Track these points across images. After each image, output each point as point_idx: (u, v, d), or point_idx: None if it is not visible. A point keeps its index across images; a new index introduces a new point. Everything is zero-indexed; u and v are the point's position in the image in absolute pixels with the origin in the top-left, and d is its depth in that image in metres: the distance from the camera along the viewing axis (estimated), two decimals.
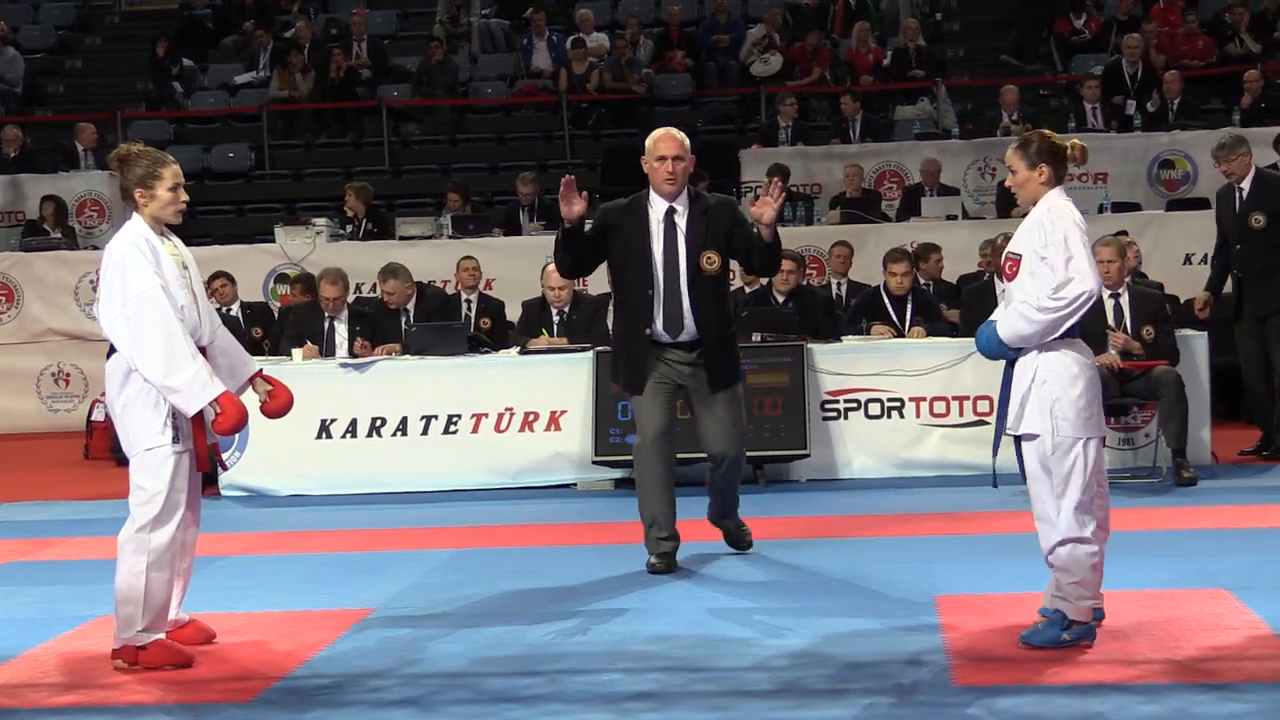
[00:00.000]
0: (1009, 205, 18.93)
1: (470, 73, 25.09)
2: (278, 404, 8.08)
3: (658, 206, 9.64)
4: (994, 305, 14.25)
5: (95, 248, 20.29)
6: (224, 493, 13.50)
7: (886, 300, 14.40)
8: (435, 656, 7.83)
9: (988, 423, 13.22)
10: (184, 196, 7.91)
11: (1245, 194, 13.58)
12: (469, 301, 16.17)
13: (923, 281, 15.36)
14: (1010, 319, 7.61)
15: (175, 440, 7.57)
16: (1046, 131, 7.85)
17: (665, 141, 9.59)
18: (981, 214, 19.56)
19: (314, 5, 26.90)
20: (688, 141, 9.69)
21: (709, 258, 9.63)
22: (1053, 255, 7.49)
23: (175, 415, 7.54)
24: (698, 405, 9.93)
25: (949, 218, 18.77)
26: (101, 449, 16.31)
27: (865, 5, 25.10)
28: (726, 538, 10.44)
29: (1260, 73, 21.42)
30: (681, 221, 9.63)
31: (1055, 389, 7.48)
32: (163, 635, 7.69)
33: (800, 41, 24.07)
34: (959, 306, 15.20)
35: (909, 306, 14.33)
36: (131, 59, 25.62)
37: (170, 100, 24.76)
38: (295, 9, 26.44)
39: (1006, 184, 8.04)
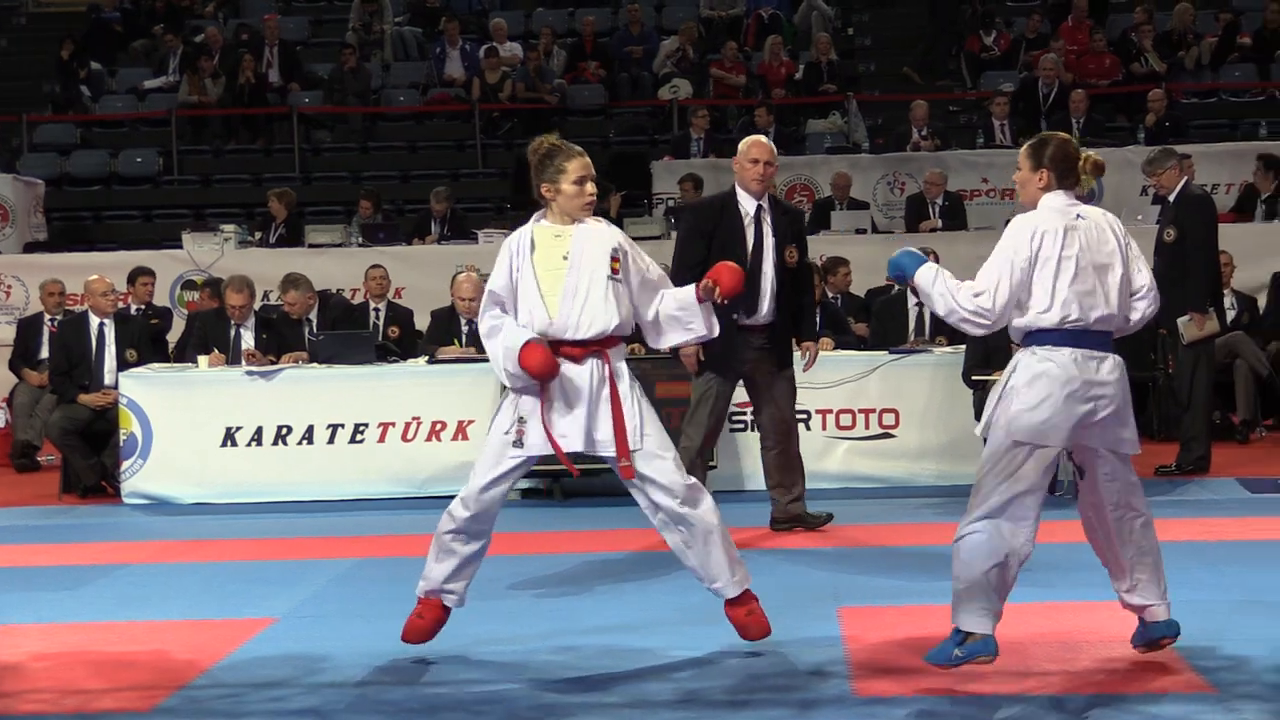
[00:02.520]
0: (918, 219, 19.10)
1: (382, 80, 25.03)
2: None
3: (747, 204, 10.95)
4: (904, 319, 14.46)
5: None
6: (126, 500, 13.42)
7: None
8: (337, 666, 7.80)
9: (893, 436, 13.34)
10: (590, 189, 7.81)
11: (1168, 208, 13.64)
12: (377, 310, 16.14)
13: (830, 295, 15.42)
14: (941, 289, 7.34)
15: None
16: (1065, 136, 7.56)
17: (758, 147, 11.00)
18: (891, 228, 19.67)
19: (225, 10, 26.75)
20: (775, 149, 11.07)
21: (789, 252, 11.05)
22: (991, 259, 7.35)
23: None
24: (761, 386, 11.19)
25: (858, 231, 18.86)
26: (1, 456, 16.13)
27: (778, 19, 25.19)
28: (803, 522, 11.39)
29: (1164, 92, 21.64)
30: (768, 219, 10.97)
31: (1017, 392, 7.28)
32: None
33: (715, 55, 24.15)
34: (867, 320, 15.30)
35: (817, 320, 14.35)
36: (38, 61, 25.42)
37: (78, 104, 24.57)
38: (208, 12, 26.30)
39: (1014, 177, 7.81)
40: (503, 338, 7.61)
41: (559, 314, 7.55)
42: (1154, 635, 7.49)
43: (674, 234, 18.67)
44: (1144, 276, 7.42)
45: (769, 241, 10.93)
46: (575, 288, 7.56)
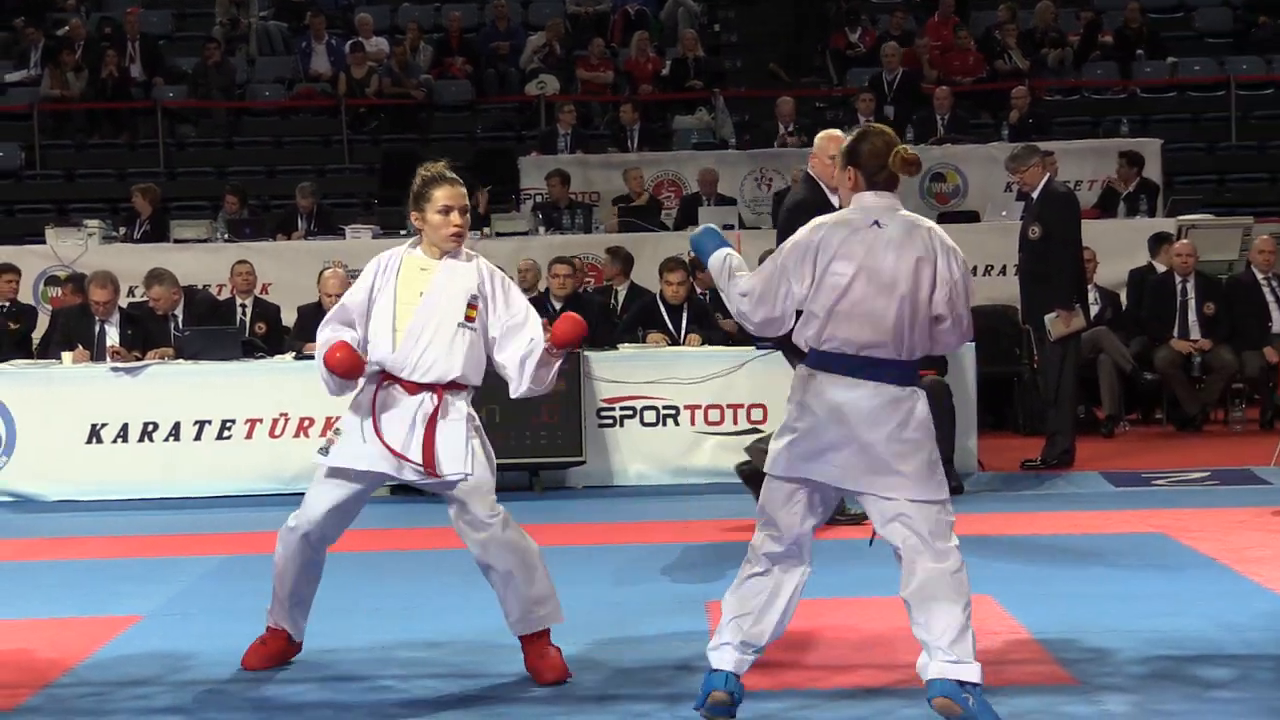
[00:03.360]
0: None
1: (248, 75, 24.85)
2: None
3: (834, 199, 10.14)
4: None
5: None
6: None
7: (663, 308, 14.51)
8: (204, 664, 7.77)
9: (761, 431, 13.39)
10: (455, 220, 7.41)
11: (1032, 204, 13.80)
12: (244, 306, 16.04)
13: (699, 291, 15.49)
14: (723, 282, 6.79)
15: None
16: (880, 129, 6.88)
17: (835, 142, 10.16)
18: (758, 224, 19.75)
19: (87, 3, 26.44)
20: None
21: None
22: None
23: None
24: None
25: (726, 227, 18.89)
26: None
27: (645, 15, 25.25)
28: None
29: (1028, 89, 21.88)
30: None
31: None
32: None
33: (581, 51, 24.17)
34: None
35: (685, 315, 14.45)
36: None
37: None
38: (69, 5, 25.99)
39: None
40: (322, 339, 7.43)
41: (399, 350, 7.30)
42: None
43: (542, 230, 18.76)
44: (947, 306, 6.51)
45: None
46: (421, 329, 7.28)
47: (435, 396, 7.32)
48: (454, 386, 7.37)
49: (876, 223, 6.54)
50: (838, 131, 10.57)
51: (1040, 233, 13.47)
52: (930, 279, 6.47)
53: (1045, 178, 13.75)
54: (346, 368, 7.27)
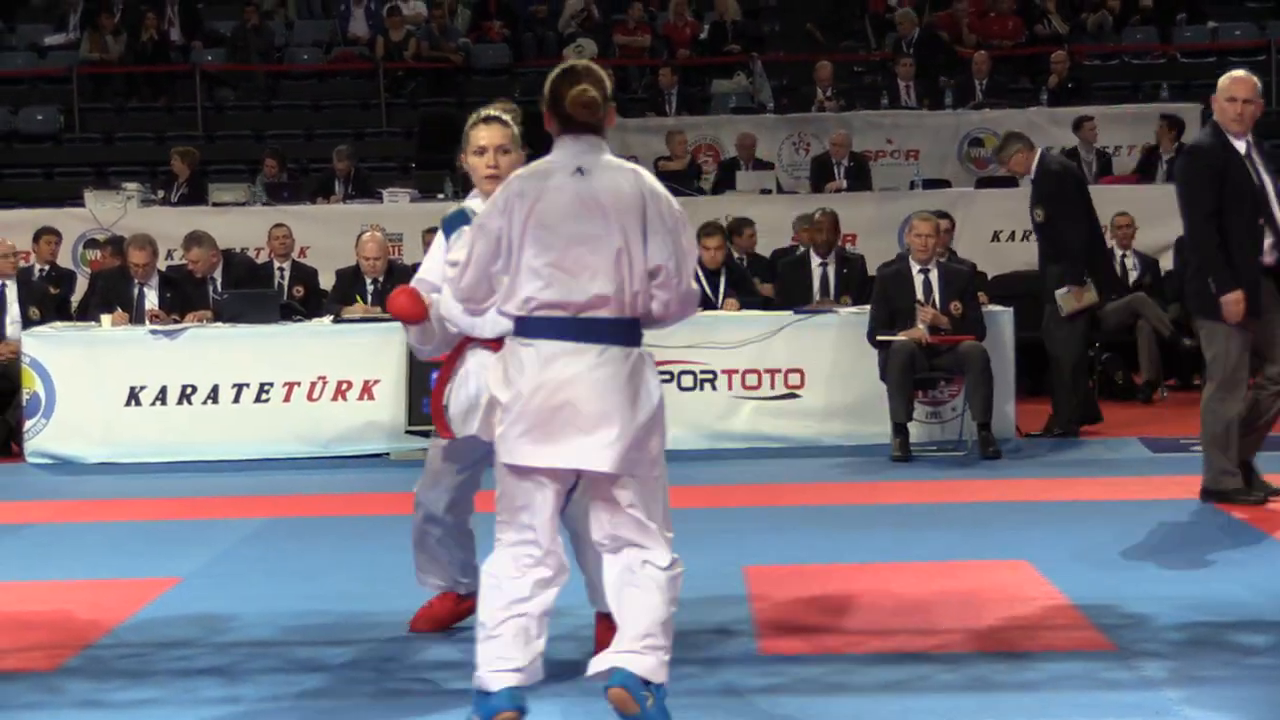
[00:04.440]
0: (823, 180, 19.18)
1: (286, 38, 24.86)
2: None
3: (1238, 144, 10.05)
4: (808, 280, 14.53)
5: None
6: (29, 459, 13.31)
7: (701, 273, 14.48)
8: (243, 625, 7.78)
9: (799, 396, 13.41)
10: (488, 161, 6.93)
11: (1032, 188, 13.71)
12: (282, 269, 16.07)
13: (736, 255, 15.47)
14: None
15: None
16: (581, 65, 6.08)
17: (1238, 84, 10.10)
18: (796, 188, 19.74)
19: None
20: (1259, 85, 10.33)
21: None
22: None
23: None
24: (1267, 317, 10.16)
25: (763, 192, 18.90)
26: None
27: None
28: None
29: (1067, 53, 21.79)
30: (1257, 156, 10.15)
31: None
32: None
33: (619, 15, 24.11)
34: (772, 280, 15.36)
35: (722, 280, 14.42)
36: None
37: None
38: None
39: None
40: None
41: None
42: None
43: None
44: (663, 254, 5.83)
45: (1268, 180, 10.15)
46: None
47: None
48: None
49: (579, 169, 5.86)
50: (1242, 73, 10.27)
51: (1044, 215, 13.40)
52: (642, 228, 5.82)
53: (1035, 159, 13.62)
54: (404, 309, 6.88)
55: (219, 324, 13.77)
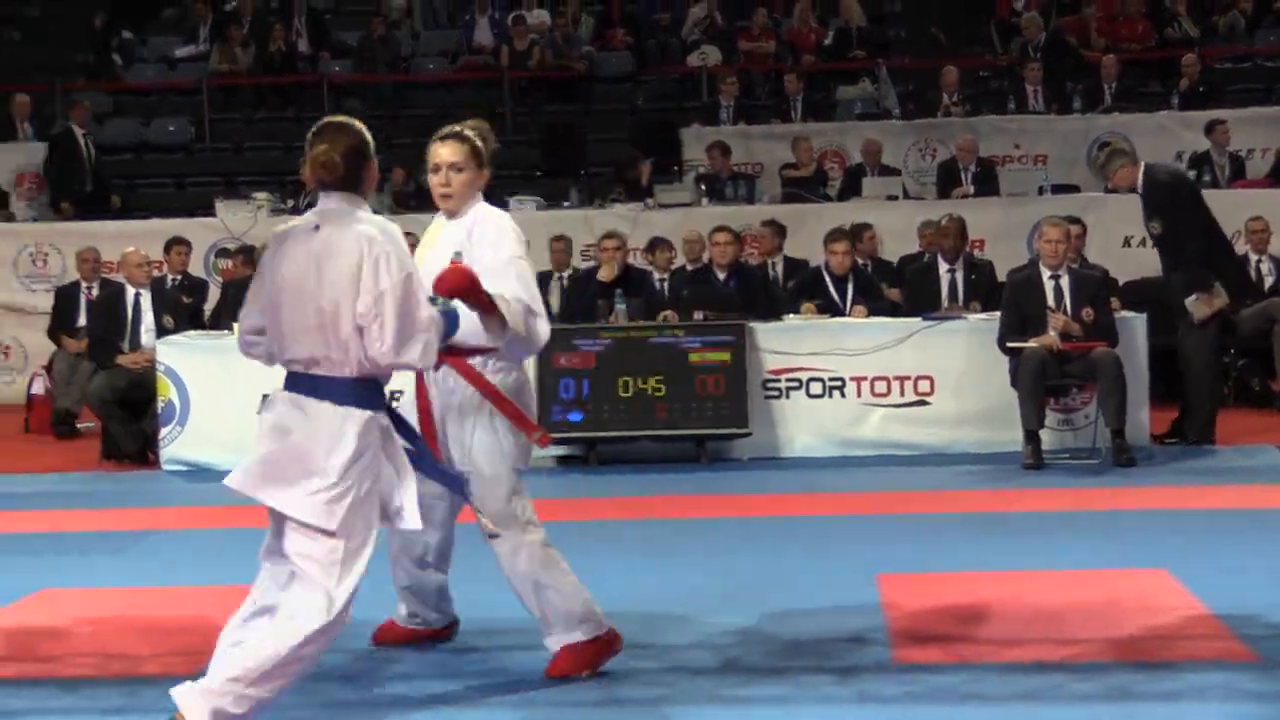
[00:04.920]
0: (950, 185, 19.08)
1: (412, 48, 25.01)
2: None
3: None
4: (936, 286, 14.45)
5: (35, 219, 20.19)
6: (165, 467, 13.46)
7: (828, 279, 14.44)
8: (369, 631, 7.81)
9: (929, 403, 13.34)
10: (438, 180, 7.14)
11: (1143, 202, 13.54)
12: None
13: (859, 261, 15.43)
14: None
15: None
16: (335, 121, 6.44)
17: None
18: (922, 194, 19.64)
19: None
20: None
21: None
22: None
23: None
24: None
25: (890, 198, 18.83)
26: (41, 423, 16.21)
27: None
28: None
29: (1198, 56, 21.55)
30: None
31: None
32: None
33: (743, 21, 24.09)
34: (898, 286, 15.30)
35: (850, 286, 14.37)
36: (71, 30, 25.43)
37: (109, 72, 24.58)
38: None
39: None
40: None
41: None
42: None
43: (704, 201, 18.74)
44: (369, 316, 5.89)
45: None
46: None
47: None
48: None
49: (316, 227, 6.07)
50: None
51: (1160, 227, 13.25)
52: (354, 288, 5.90)
53: (1140, 173, 13.43)
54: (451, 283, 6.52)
55: None
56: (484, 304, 6.44)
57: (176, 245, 16.80)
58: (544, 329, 6.81)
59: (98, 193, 21.00)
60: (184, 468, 13.51)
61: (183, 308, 15.30)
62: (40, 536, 11.04)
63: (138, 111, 24.08)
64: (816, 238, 15.61)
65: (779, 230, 16.63)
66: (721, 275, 14.67)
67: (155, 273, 15.94)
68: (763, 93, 23.28)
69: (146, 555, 10.15)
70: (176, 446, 13.49)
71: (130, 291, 14.69)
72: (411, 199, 19.35)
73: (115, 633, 8.03)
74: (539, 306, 6.82)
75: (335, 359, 5.95)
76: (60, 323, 16.33)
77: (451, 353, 6.50)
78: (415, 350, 5.96)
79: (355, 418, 5.98)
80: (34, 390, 16.69)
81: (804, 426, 13.46)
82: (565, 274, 16.16)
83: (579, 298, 14.67)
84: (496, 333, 6.54)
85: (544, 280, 15.67)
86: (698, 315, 13.78)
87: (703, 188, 19.25)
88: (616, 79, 24.05)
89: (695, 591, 8.64)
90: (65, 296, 16.52)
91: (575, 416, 13.15)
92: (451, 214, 7.13)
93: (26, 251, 18.99)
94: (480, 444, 6.94)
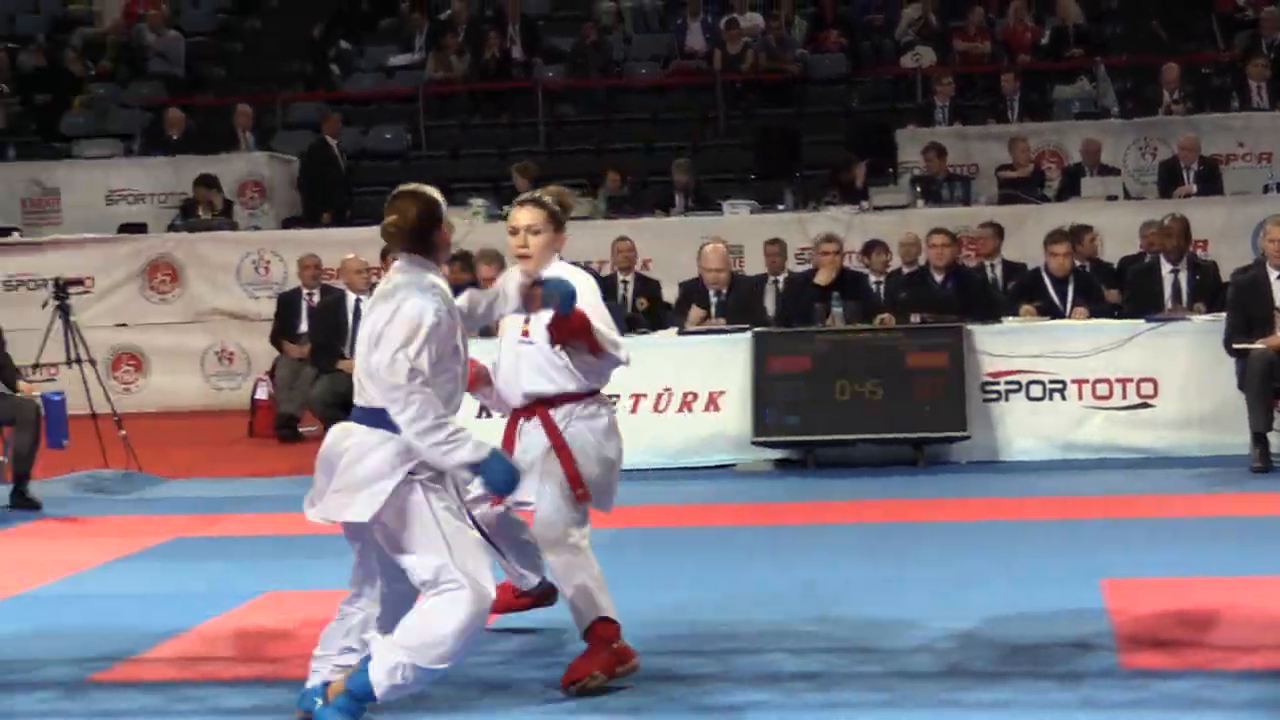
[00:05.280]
0: (1171, 185, 18.75)
1: (625, 53, 25.11)
2: None
3: None
4: (1159, 286, 14.20)
5: (256, 228, 20.56)
6: None
7: (1048, 281, 14.26)
8: None
9: (1152, 405, 13.12)
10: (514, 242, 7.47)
11: None
12: (625, 282, 16.20)
13: (1078, 262, 15.21)
14: None
15: None
16: (406, 190, 6.98)
17: None
18: (1143, 194, 19.34)
19: None
20: None
21: None
22: None
23: None
24: None
25: (1109, 198, 18.57)
26: (265, 427, 16.52)
27: None
28: None
29: None
30: None
31: None
32: None
33: (958, 21, 23.88)
34: (1118, 287, 15.08)
35: (1070, 287, 14.18)
36: (290, 41, 25.88)
37: (327, 82, 24.97)
38: None
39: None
40: None
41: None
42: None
43: (920, 203, 18.58)
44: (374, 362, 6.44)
45: None
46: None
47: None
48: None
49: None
50: None
51: None
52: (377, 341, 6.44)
53: None
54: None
55: None
56: (592, 345, 7.15)
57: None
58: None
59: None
60: None
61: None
62: (265, 539, 11.22)
63: (356, 120, 24.40)
64: (1034, 239, 15.45)
65: (998, 232, 16.46)
66: (938, 277, 14.55)
67: (374, 279, 16.13)
68: (978, 93, 23.05)
69: None
70: None
71: (350, 297, 14.90)
72: (625, 203, 19.40)
73: None
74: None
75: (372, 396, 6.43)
76: (282, 329, 16.62)
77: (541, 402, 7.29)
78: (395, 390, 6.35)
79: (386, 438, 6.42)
80: (257, 395, 17.03)
81: (1023, 429, 13.31)
82: (780, 277, 16.10)
83: (794, 301, 14.62)
84: (600, 370, 7.30)
85: (759, 283, 15.66)
86: (915, 318, 13.68)
87: (918, 189, 19.11)
88: (830, 81, 23.95)
89: (915, 595, 8.57)
90: (287, 303, 16.80)
91: (792, 420, 13.12)
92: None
93: (249, 259, 19.35)
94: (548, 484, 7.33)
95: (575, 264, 7.83)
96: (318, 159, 21.52)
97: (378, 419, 6.35)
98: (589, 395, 7.34)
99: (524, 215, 7.41)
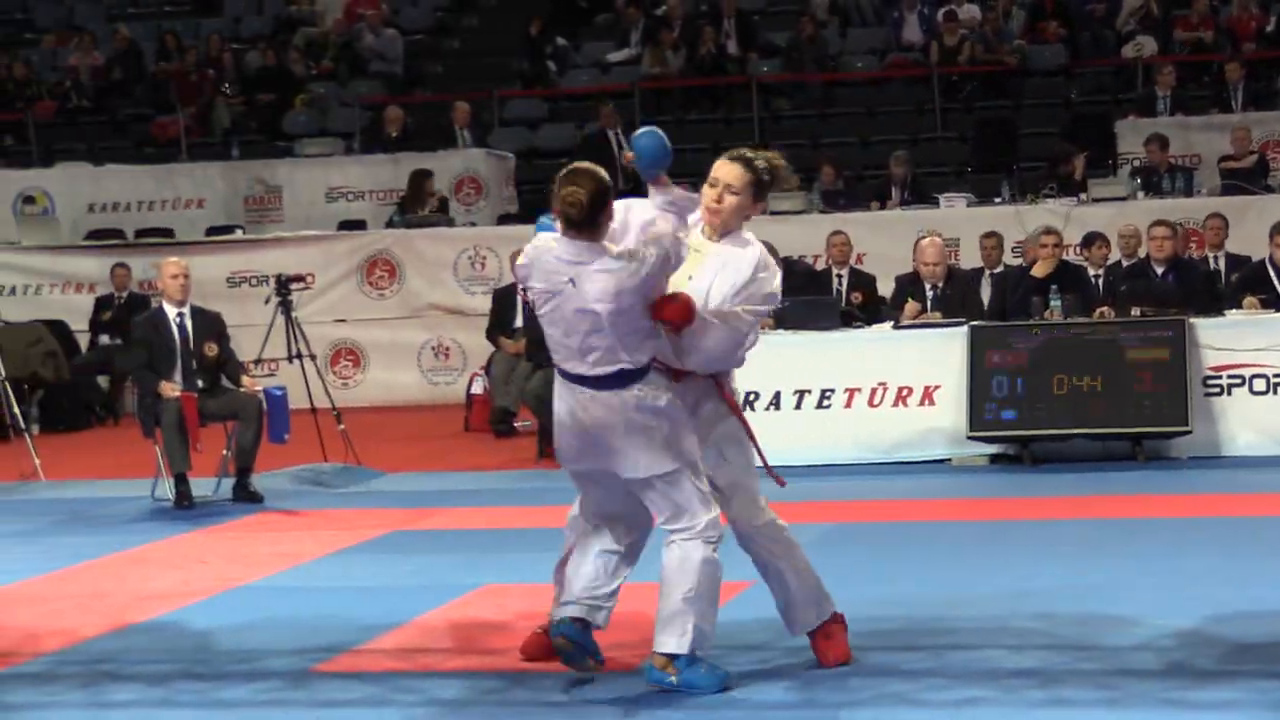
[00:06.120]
0: None
1: (840, 47, 25.00)
2: None
3: None
4: None
5: (472, 224, 20.75)
6: None
7: (1272, 273, 13.96)
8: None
9: None
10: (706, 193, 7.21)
11: None
12: (839, 276, 16.13)
13: None
14: None
15: None
16: (578, 169, 6.88)
17: None
18: None
19: None
20: None
21: None
22: None
23: None
24: None
25: None
26: (480, 421, 16.66)
27: None
28: None
29: None
30: None
31: None
32: None
33: (1181, 9, 23.46)
34: None
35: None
36: (507, 38, 26.08)
37: (544, 78, 25.14)
38: None
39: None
40: None
41: None
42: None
43: (1140, 194, 18.28)
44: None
45: None
46: None
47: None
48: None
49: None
50: None
51: None
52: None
53: None
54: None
55: (780, 331, 13.88)
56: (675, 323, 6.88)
57: None
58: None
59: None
60: None
61: None
62: (481, 533, 11.32)
63: (572, 116, 24.56)
64: (1257, 231, 15.16)
65: (1223, 224, 16.13)
66: (1159, 270, 14.30)
67: None
68: (1201, 83, 22.63)
69: None
70: None
71: None
72: (841, 197, 19.31)
73: None
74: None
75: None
76: (498, 324, 16.74)
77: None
78: None
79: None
80: (473, 390, 17.20)
81: (1247, 424, 13.04)
82: (996, 270, 15.93)
83: (1011, 295, 14.44)
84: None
85: (975, 277, 15.49)
86: (1135, 311, 13.46)
87: (1138, 181, 18.80)
88: (1049, 72, 23.66)
89: (1134, 592, 8.45)
90: (502, 298, 16.92)
91: (1009, 414, 12.98)
92: (713, 231, 7.16)
93: (465, 255, 19.52)
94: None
95: (773, 250, 7.61)
96: (594, 149, 21.61)
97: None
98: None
99: (726, 171, 7.08)
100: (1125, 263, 15.33)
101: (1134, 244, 15.52)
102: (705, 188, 7.11)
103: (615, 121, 21.82)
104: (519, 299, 16.59)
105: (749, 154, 7.21)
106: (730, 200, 7.06)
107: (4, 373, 14.88)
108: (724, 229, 7.08)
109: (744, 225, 7.18)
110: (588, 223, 6.72)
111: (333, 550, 10.66)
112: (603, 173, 6.77)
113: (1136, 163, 19.65)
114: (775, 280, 7.24)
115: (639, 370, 6.84)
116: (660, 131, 6.96)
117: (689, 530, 6.84)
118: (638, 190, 7.49)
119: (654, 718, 6.60)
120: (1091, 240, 15.81)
